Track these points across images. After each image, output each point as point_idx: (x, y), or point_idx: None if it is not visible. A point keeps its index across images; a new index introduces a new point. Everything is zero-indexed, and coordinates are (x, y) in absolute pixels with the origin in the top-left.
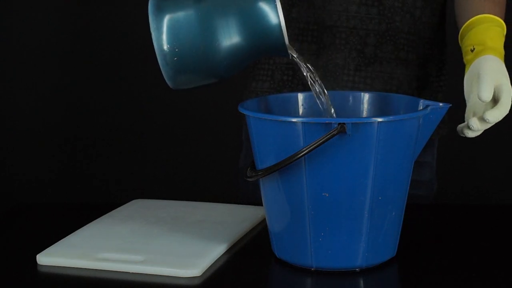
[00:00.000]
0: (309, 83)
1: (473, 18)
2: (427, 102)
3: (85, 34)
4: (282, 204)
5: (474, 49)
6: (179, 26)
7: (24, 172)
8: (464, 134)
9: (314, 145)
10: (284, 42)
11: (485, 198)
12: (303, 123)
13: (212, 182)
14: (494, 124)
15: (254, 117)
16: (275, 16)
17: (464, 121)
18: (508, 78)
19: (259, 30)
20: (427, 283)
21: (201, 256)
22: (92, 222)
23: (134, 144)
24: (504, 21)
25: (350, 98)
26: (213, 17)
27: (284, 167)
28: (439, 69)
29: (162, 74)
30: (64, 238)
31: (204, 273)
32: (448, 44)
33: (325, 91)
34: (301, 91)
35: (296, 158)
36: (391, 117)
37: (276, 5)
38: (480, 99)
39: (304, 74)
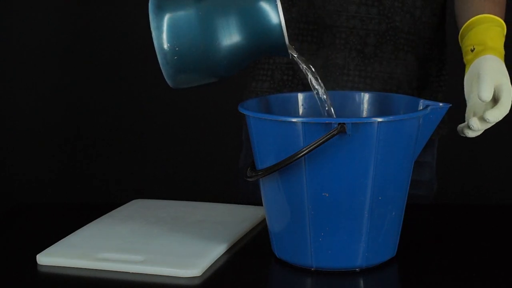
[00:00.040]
0: (309, 83)
1: (473, 18)
2: (427, 102)
3: (85, 34)
4: (282, 204)
5: (474, 49)
6: (179, 25)
7: (24, 172)
8: (464, 134)
9: (314, 145)
10: (284, 42)
11: (485, 198)
12: (303, 123)
13: (212, 182)
14: (494, 124)
15: (254, 117)
16: (275, 15)
17: (464, 121)
18: (508, 78)
19: (260, 29)
20: (427, 283)
21: (201, 256)
22: (92, 222)
23: (134, 144)
24: (504, 21)
25: (350, 98)
26: (213, 16)
27: (284, 167)
28: (439, 69)
29: (162, 73)
30: (64, 238)
31: (204, 273)
32: (448, 44)
33: (325, 91)
34: (301, 91)
35: (296, 158)
36: (391, 117)
37: (276, 4)
38: (480, 99)
39: (304, 73)
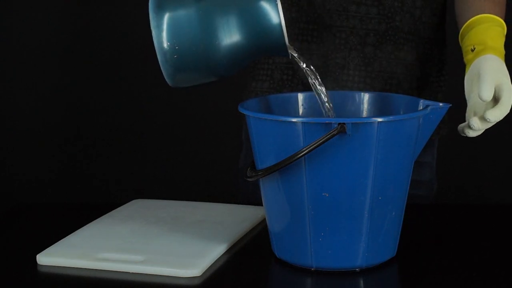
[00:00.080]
0: (310, 82)
1: (473, 18)
2: (427, 102)
3: (85, 34)
4: (282, 204)
5: (474, 48)
6: (179, 24)
7: (24, 172)
8: (465, 134)
9: (314, 145)
10: (284, 42)
11: (485, 198)
12: (303, 123)
13: (212, 182)
14: (495, 124)
15: (254, 117)
16: (275, 15)
17: (464, 121)
18: (509, 78)
19: (260, 29)
20: (427, 283)
21: (201, 256)
22: (92, 222)
23: (134, 144)
24: (504, 21)
25: (350, 98)
26: (213, 15)
27: (284, 167)
28: (439, 69)
29: (161, 72)
30: (64, 238)
31: (204, 273)
32: (448, 44)
33: (325, 91)
34: (301, 91)
35: (296, 158)
36: (391, 117)
37: (276, 4)
38: (480, 98)
39: (304, 73)
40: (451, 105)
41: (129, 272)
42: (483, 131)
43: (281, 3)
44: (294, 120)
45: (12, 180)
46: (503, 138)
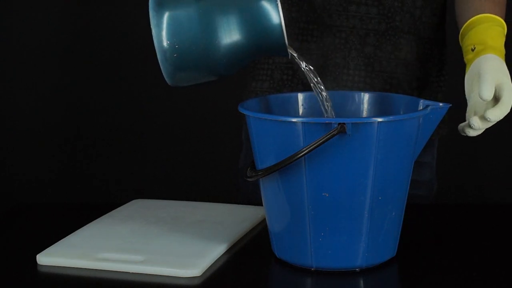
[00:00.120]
0: (309, 82)
1: (473, 18)
2: (427, 102)
3: (85, 34)
4: (282, 204)
5: (474, 48)
6: (179, 22)
7: (24, 172)
8: (465, 133)
9: (314, 145)
10: (284, 42)
11: (485, 197)
12: (303, 123)
13: (212, 182)
14: (495, 124)
15: (254, 117)
16: (275, 15)
17: (465, 120)
18: (509, 77)
19: (260, 29)
20: (427, 283)
21: (201, 256)
22: (92, 222)
23: (134, 144)
24: (504, 21)
25: (350, 98)
26: (213, 14)
27: (284, 167)
28: (439, 69)
29: (161, 72)
30: (64, 238)
31: (204, 273)
32: (448, 44)
33: (325, 91)
34: (301, 91)
35: (296, 158)
36: (391, 117)
37: (277, 4)
38: (481, 98)
39: (304, 73)
40: (451, 105)
41: (129, 272)
42: (483, 130)
43: (281, 3)
44: (294, 120)
45: (12, 180)
46: (503, 138)
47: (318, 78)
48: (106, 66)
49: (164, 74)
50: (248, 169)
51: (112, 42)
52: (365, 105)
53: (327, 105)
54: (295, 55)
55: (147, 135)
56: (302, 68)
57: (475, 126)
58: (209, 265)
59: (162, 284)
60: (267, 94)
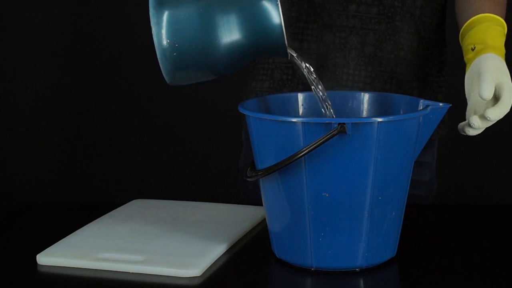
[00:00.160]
0: (309, 83)
1: (473, 17)
2: (427, 102)
3: (85, 34)
4: (282, 204)
5: (474, 47)
6: (179, 21)
7: (24, 172)
8: (465, 132)
9: (314, 145)
10: (284, 42)
11: (485, 198)
12: (303, 123)
13: (212, 182)
14: (494, 124)
15: (254, 117)
16: (275, 15)
17: (465, 120)
18: (509, 77)
19: (259, 28)
20: (427, 283)
21: (201, 256)
22: (92, 222)
23: (134, 144)
24: (505, 21)
25: (350, 98)
26: (214, 13)
27: (284, 167)
28: (439, 69)
29: (161, 71)
30: (64, 238)
31: (204, 273)
32: (448, 44)
33: (324, 91)
34: (301, 91)
35: (296, 158)
36: (391, 117)
37: (277, 4)
38: (481, 97)
39: (303, 73)
40: (451, 105)
41: (129, 272)
42: (483, 129)
43: (281, 3)
44: (294, 120)
45: (12, 180)
46: (503, 138)
47: (317, 79)
48: (106, 66)
49: (163, 73)
50: (248, 169)
51: (112, 42)
52: (365, 105)
53: (326, 105)
54: (295, 55)
55: (147, 135)
56: (302, 69)
57: (475, 125)
58: (209, 265)
59: (162, 284)
60: (267, 94)
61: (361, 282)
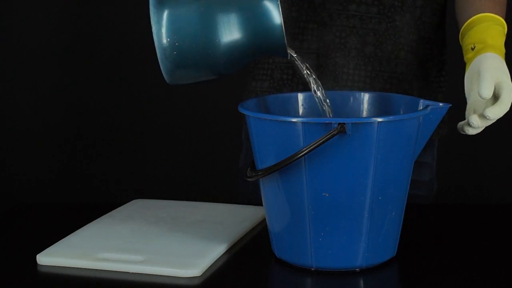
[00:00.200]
0: (308, 82)
1: (473, 17)
2: (427, 102)
3: (85, 34)
4: (282, 204)
5: (474, 47)
6: (180, 20)
7: (24, 172)
8: (464, 131)
9: (314, 145)
10: (283, 42)
11: (485, 197)
12: (303, 123)
13: (212, 182)
14: (494, 124)
15: (254, 117)
16: (276, 15)
17: (464, 119)
18: (509, 76)
19: (259, 28)
20: (427, 283)
21: (201, 256)
22: (92, 222)
23: (134, 144)
24: (505, 20)
25: (350, 98)
26: (214, 13)
27: (284, 167)
28: (439, 69)
29: (161, 71)
30: (64, 238)
31: (204, 273)
32: (448, 44)
33: (324, 91)
34: (301, 90)
35: (296, 158)
36: (391, 117)
37: (278, 4)
38: (480, 96)
39: (303, 73)
40: (451, 105)
41: (129, 272)
42: (482, 129)
43: (281, 3)
44: (294, 120)
45: (12, 180)
46: (503, 137)
47: (317, 79)
48: (106, 66)
49: (163, 72)
50: (248, 169)
51: (112, 42)
52: (365, 105)
53: (325, 105)
54: (295, 55)
55: (147, 135)
56: (301, 69)
57: (474, 124)
58: (209, 265)
59: (162, 284)
60: (267, 94)
61: (361, 282)
